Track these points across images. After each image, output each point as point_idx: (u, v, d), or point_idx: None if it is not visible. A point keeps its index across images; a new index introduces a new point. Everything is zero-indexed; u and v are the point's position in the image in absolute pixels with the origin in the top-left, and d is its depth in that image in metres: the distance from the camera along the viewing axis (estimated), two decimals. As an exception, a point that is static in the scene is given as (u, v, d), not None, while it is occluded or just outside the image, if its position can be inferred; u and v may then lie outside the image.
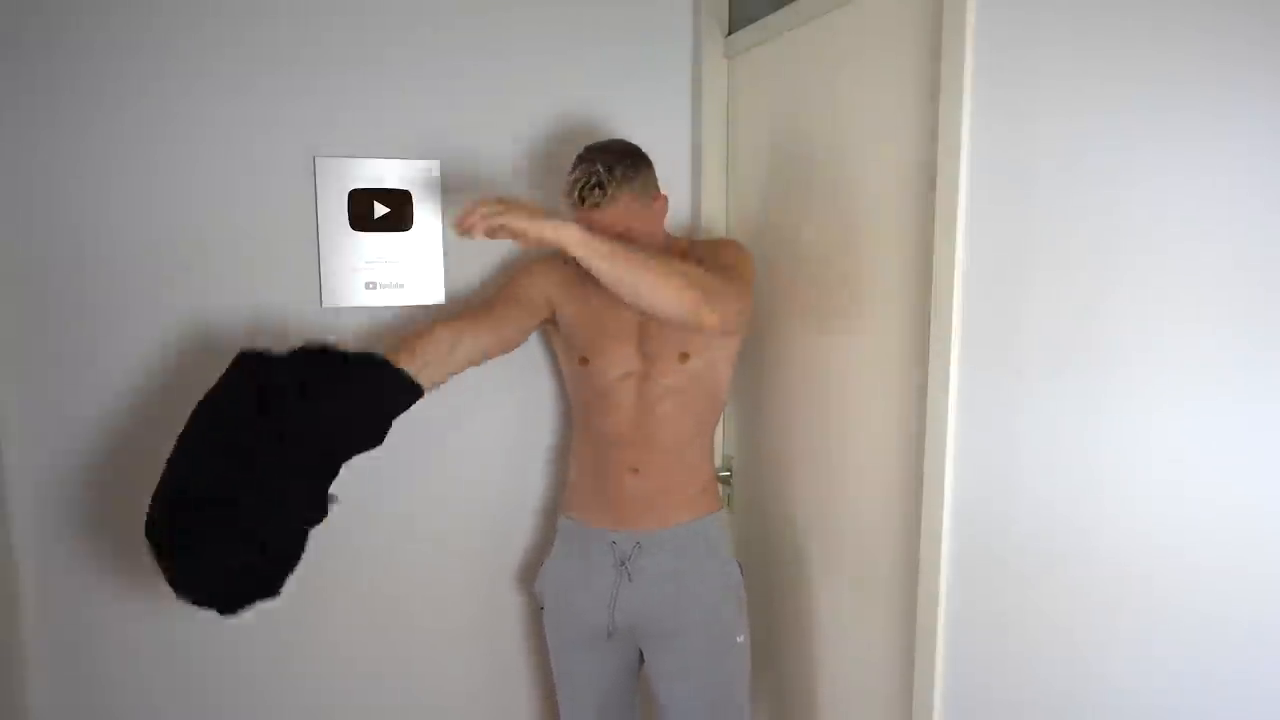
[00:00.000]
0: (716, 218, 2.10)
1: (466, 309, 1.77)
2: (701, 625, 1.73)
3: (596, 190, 1.60)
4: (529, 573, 2.10)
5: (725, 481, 2.16)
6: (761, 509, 2.01)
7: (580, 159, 1.66)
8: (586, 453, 1.81)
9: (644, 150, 1.72)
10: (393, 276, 1.94)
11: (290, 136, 1.85)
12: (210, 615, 1.50)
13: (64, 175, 1.73)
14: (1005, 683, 1.28)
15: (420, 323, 1.79)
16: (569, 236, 1.45)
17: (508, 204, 1.47)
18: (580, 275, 1.68)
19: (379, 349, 1.61)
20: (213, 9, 1.77)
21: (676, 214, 2.13)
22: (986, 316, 1.27)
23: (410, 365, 1.58)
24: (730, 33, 2.03)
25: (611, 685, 1.83)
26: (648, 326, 1.71)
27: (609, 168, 1.61)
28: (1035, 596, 1.21)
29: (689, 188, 2.14)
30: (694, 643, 1.73)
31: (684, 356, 1.70)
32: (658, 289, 1.48)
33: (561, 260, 1.72)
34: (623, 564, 1.74)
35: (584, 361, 1.75)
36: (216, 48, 1.78)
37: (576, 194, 1.62)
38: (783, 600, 1.93)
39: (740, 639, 1.76)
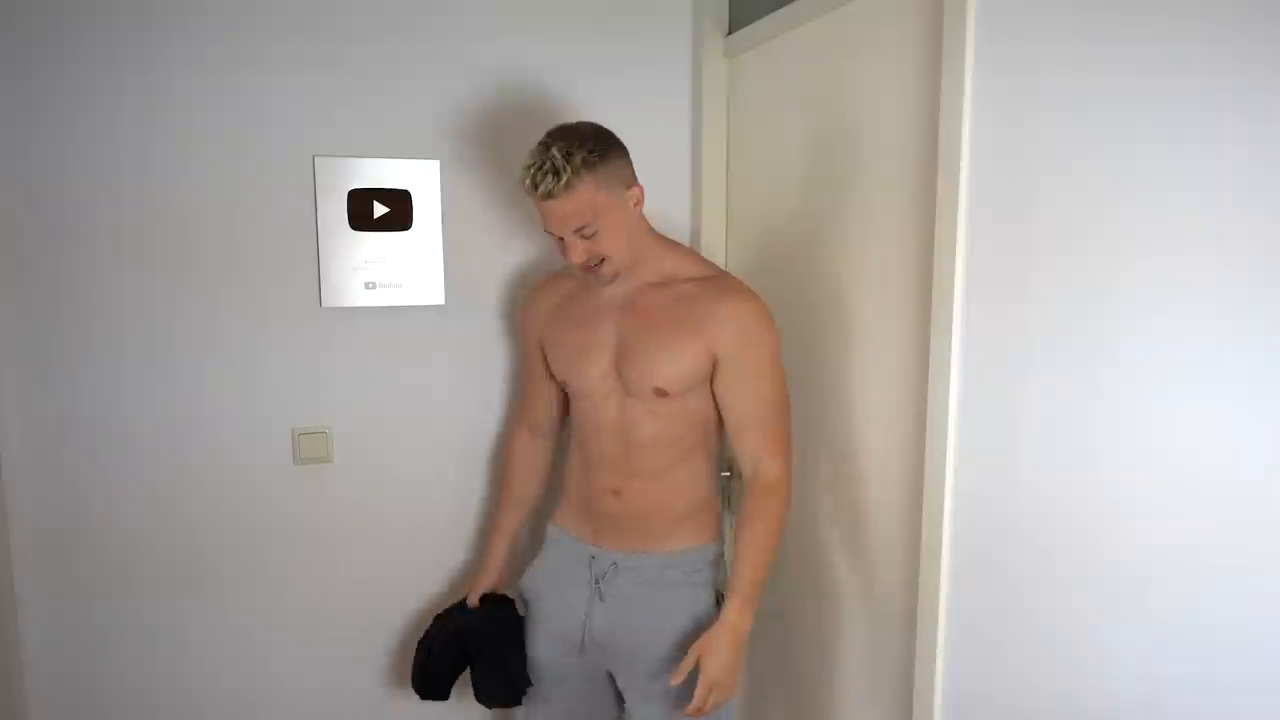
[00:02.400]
0: (716, 217, 2.10)
1: (521, 397, 1.93)
2: (670, 659, 1.61)
3: (550, 177, 1.43)
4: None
5: (725, 482, 2.15)
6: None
7: (540, 143, 1.49)
8: (577, 469, 1.74)
9: (621, 137, 1.57)
10: (392, 276, 1.94)
11: (290, 136, 1.85)
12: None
13: (62, 174, 1.73)
14: (1005, 683, 1.27)
15: (508, 448, 1.94)
16: (742, 629, 1.53)
17: (721, 687, 1.52)
18: (567, 297, 1.72)
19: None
20: (212, 8, 1.77)
21: (677, 214, 2.13)
22: (988, 314, 1.27)
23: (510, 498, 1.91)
24: (730, 33, 2.03)
25: (574, 703, 1.78)
26: (626, 353, 1.60)
27: (567, 153, 1.43)
28: (1036, 594, 1.21)
29: (689, 188, 2.14)
30: (663, 674, 1.60)
31: (660, 392, 1.58)
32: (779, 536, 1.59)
33: (554, 283, 1.77)
34: (596, 582, 1.68)
35: (565, 384, 1.71)
36: (216, 47, 1.78)
37: (529, 180, 1.45)
38: (782, 598, 1.93)
39: None
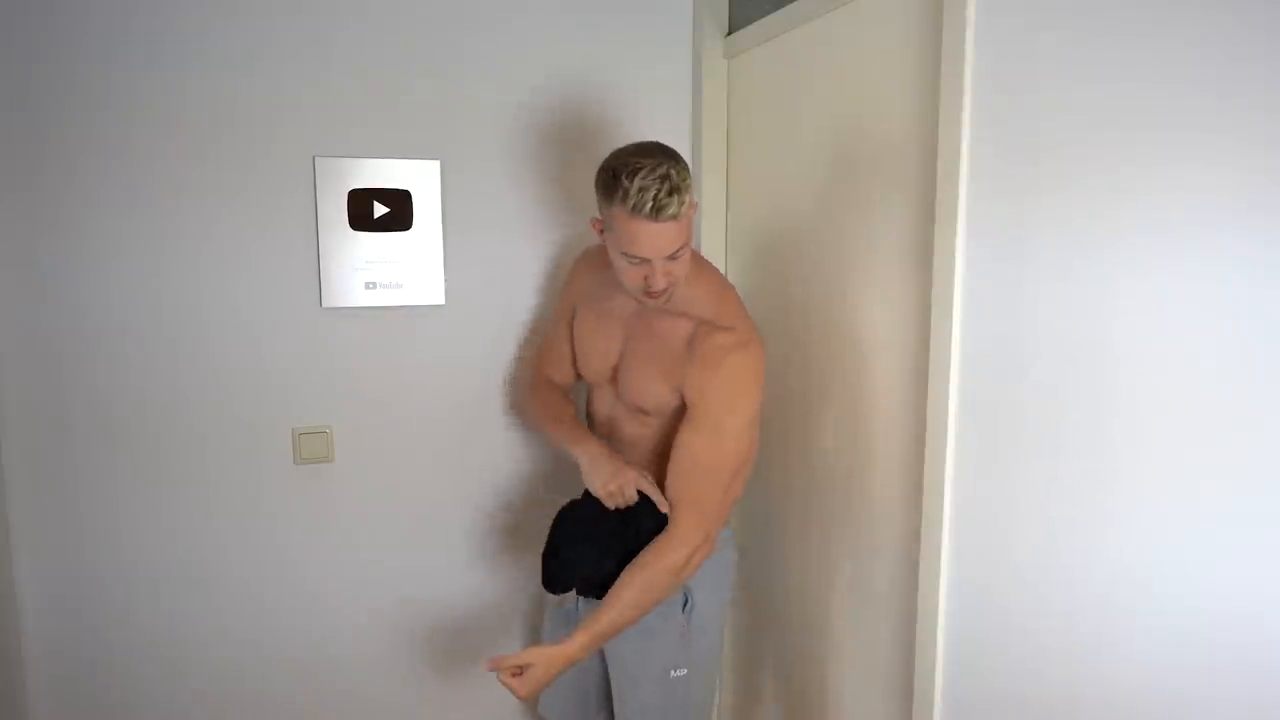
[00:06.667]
0: (716, 217, 2.10)
1: (542, 350, 1.88)
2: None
3: (674, 198, 1.35)
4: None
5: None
6: (761, 507, 2.01)
7: (636, 164, 1.37)
8: None
9: (622, 137, 1.73)
10: (393, 276, 1.94)
11: (290, 136, 1.85)
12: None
13: (62, 173, 1.73)
14: (1005, 682, 1.27)
15: (542, 389, 1.85)
16: (576, 660, 1.46)
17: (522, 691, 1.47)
18: (600, 283, 1.67)
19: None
20: (212, 9, 1.77)
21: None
22: (986, 319, 1.27)
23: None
24: (730, 33, 2.04)
25: None
26: (622, 364, 1.63)
27: (679, 173, 1.36)
28: (1036, 593, 1.21)
29: (689, 188, 2.14)
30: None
31: (641, 410, 1.60)
32: (656, 599, 1.49)
33: (597, 262, 1.70)
34: None
35: (578, 376, 1.77)
36: (217, 47, 1.78)
37: (650, 203, 1.34)
38: (781, 595, 1.93)
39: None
